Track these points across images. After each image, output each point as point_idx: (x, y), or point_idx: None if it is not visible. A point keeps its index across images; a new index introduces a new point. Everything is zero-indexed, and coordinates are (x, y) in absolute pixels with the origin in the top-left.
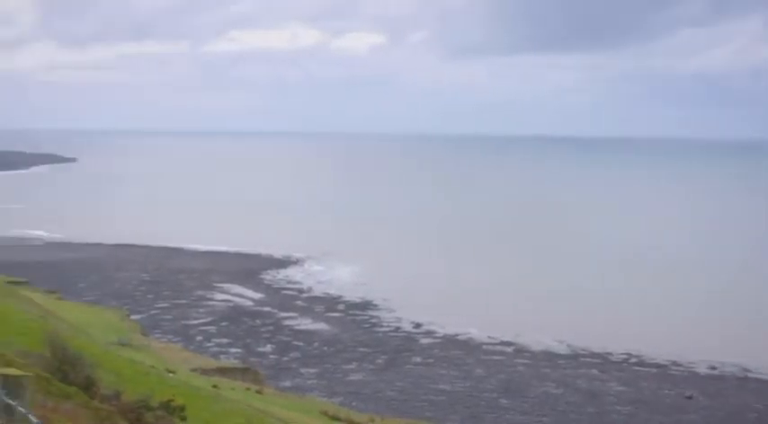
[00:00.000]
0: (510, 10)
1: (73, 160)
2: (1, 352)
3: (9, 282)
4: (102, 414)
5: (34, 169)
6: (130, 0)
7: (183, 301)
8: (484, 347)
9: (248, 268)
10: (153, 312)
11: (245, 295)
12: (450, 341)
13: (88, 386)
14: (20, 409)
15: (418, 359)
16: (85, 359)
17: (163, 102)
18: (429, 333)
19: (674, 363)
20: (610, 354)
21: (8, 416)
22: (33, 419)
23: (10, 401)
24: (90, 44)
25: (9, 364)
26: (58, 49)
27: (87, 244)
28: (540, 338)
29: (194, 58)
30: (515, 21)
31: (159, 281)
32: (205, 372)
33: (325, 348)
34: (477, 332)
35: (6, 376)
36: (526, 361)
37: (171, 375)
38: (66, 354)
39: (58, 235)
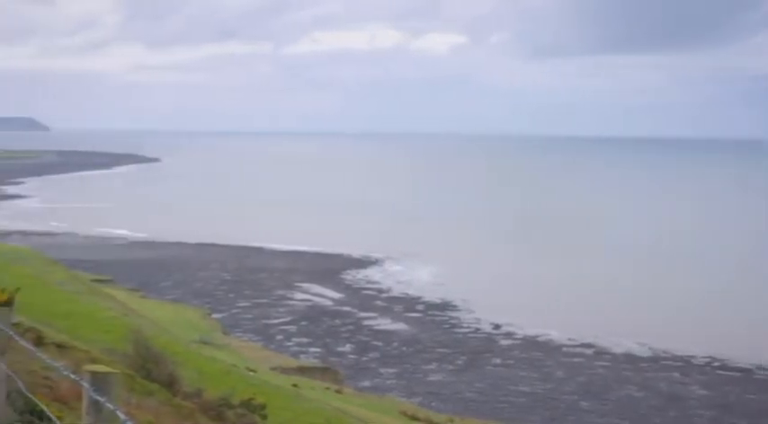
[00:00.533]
0: (590, 10)
1: (156, 160)
2: (87, 349)
3: (93, 280)
4: (184, 411)
5: (117, 169)
6: (214, 2)
7: (264, 300)
8: (564, 349)
9: (328, 267)
10: (234, 311)
11: (324, 295)
12: (530, 343)
13: (171, 383)
14: (107, 405)
15: (498, 361)
16: (168, 357)
17: (245, 103)
18: (509, 335)
19: (759, 367)
20: (692, 357)
21: (96, 413)
22: (121, 415)
23: (99, 398)
24: (174, 45)
25: (95, 361)
26: (142, 51)
27: (169, 243)
28: (620, 340)
29: (276, 60)
30: (595, 21)
31: (240, 280)
32: (285, 371)
33: (405, 348)
34: (556, 334)
35: (95, 373)
36: (606, 363)
37: (251, 373)
38: (150, 351)
39: (140, 234)
